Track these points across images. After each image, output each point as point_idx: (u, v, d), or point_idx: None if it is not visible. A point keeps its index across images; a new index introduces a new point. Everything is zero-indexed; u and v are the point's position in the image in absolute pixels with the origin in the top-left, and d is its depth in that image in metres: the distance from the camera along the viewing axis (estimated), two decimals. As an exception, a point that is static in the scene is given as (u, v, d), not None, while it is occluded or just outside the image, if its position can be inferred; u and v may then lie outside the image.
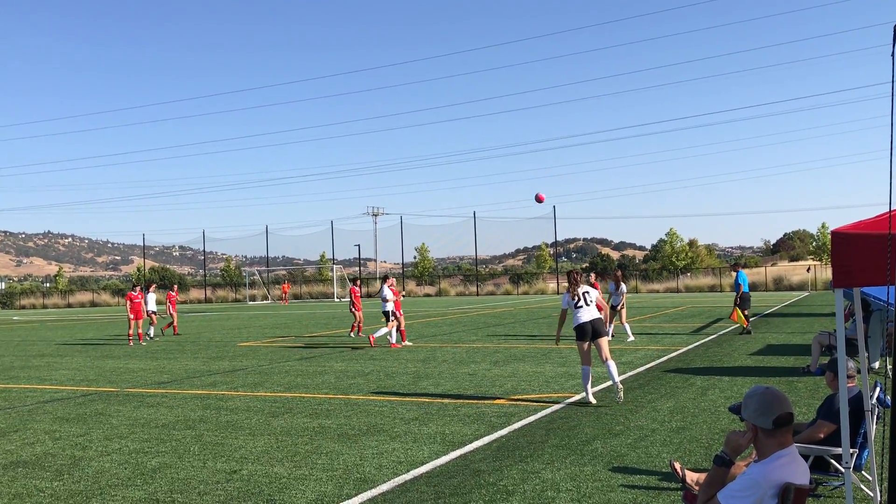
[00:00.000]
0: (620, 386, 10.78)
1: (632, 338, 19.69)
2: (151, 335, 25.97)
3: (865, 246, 3.80)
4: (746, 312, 20.89)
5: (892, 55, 2.84)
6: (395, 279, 21.57)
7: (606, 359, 10.85)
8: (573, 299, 11.03)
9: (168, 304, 28.63)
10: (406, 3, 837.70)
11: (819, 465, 6.11)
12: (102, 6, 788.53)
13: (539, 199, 17.55)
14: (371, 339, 20.12)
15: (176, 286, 34.42)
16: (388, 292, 20.11)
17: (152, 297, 26.61)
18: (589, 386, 10.85)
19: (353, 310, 23.89)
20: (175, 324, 28.13)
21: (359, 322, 23.95)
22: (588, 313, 10.89)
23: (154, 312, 26.27)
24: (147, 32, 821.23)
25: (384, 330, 20.13)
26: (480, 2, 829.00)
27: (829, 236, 4.05)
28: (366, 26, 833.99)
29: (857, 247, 3.83)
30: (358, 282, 25.96)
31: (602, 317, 11.19)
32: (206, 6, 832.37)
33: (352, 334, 23.76)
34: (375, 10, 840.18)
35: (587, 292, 11.06)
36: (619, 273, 21.74)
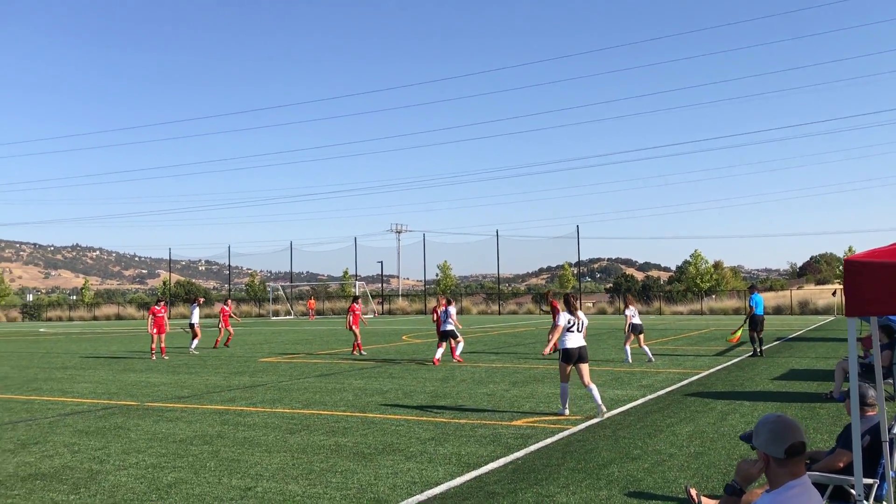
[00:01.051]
0: (604, 408, 11.61)
1: (630, 361, 19.73)
2: (193, 347, 26.15)
3: (879, 274, 3.74)
4: (760, 336, 21.07)
5: None
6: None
7: (588, 383, 11.58)
8: (568, 323, 11.69)
9: (221, 317, 29.02)
10: (431, 22, 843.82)
11: (839, 496, 6.00)
12: (132, 23, 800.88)
13: None
14: (459, 359, 20.67)
15: (230, 300, 34.63)
16: (453, 311, 21.17)
17: (197, 311, 26.73)
18: (567, 402, 11.82)
19: (353, 327, 23.73)
20: (230, 337, 28.63)
21: (357, 339, 23.82)
22: (577, 340, 11.69)
23: (197, 325, 26.31)
24: (175, 48, 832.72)
25: (461, 345, 21.06)
26: (505, 22, 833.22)
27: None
28: (390, 46, 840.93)
29: (870, 275, 3.77)
30: (359, 300, 25.90)
31: (585, 344, 11.88)
32: (236, 24, 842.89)
33: (362, 352, 23.63)
34: (400, 29, 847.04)
35: (583, 321, 11.87)
36: (629, 296, 22.64)
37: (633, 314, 20.41)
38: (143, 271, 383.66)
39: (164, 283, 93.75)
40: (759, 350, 21.02)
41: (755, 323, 21.00)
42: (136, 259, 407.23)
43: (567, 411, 11.78)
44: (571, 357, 11.63)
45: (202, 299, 29.37)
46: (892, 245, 4.06)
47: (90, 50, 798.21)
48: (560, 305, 12.97)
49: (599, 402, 11.47)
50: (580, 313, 11.88)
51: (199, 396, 14.58)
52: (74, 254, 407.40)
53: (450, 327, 20.90)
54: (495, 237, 70.34)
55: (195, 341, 26.23)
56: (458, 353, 20.95)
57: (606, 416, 11.46)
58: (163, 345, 24.10)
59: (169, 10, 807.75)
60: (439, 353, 20.47)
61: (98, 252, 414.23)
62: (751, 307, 21.15)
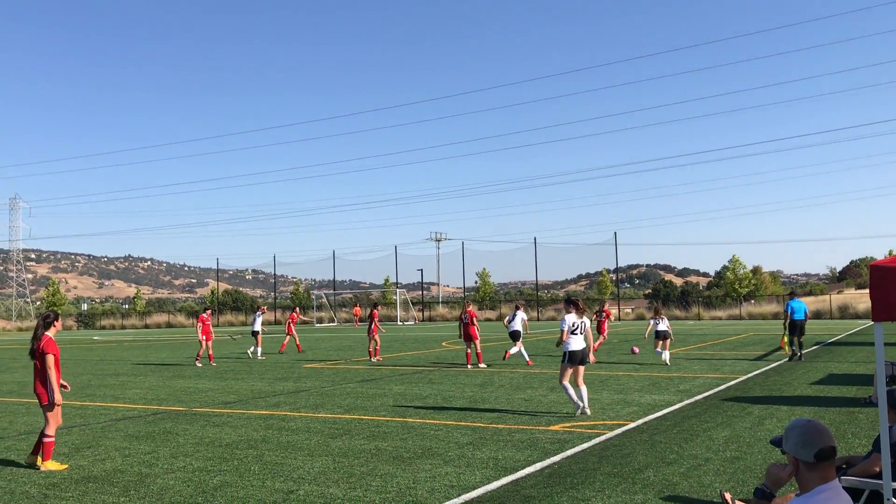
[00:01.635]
0: (588, 410, 12.03)
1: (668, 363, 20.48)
2: (259, 355, 26.67)
3: (905, 280, 3.68)
4: (794, 339, 21.18)
5: None
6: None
7: (581, 384, 12.15)
8: (573, 326, 12.16)
9: (289, 323, 29.85)
10: (468, 34, 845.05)
11: (874, 501, 5.89)
12: (176, 43, 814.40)
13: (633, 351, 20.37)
14: (506, 354, 21.96)
15: (297, 308, 35.74)
16: (523, 316, 22.47)
17: (259, 319, 27.40)
18: (575, 396, 12.04)
19: (372, 334, 24.09)
20: (285, 342, 29.63)
21: (377, 346, 24.24)
22: (580, 342, 12.16)
23: (258, 333, 27.03)
24: (217, 64, 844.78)
25: (517, 348, 21.75)
26: (540, 31, 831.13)
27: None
28: (430, 57, 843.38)
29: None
30: (379, 307, 26.38)
31: (587, 346, 12.36)
32: (274, 39, 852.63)
33: (373, 359, 23.90)
34: (438, 40, 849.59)
35: (584, 322, 12.32)
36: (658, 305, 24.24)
37: (656, 322, 21.47)
38: (193, 280, 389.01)
39: (213, 291, 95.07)
40: (799, 354, 21.04)
41: (794, 328, 21.03)
42: (186, 269, 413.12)
43: (589, 410, 12.02)
44: (576, 359, 12.06)
45: (265, 308, 30.26)
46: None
47: (138, 69, 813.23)
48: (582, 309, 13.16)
49: (586, 403, 12.05)
50: (583, 316, 12.30)
51: (244, 402, 14.75)
52: (127, 264, 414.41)
53: (518, 328, 21.86)
54: (533, 244, 70.22)
55: (258, 348, 26.77)
56: (512, 351, 21.74)
57: (641, 421, 11.36)
58: (210, 352, 24.42)
59: (211, 27, 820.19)
60: (515, 350, 21.50)
61: (149, 262, 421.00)
62: (786, 313, 21.38)
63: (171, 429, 11.74)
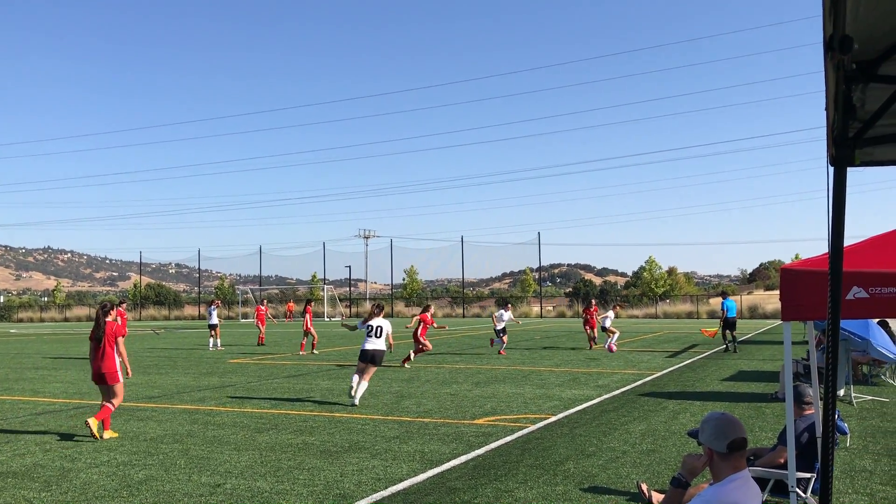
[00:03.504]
0: (357, 401, 12.78)
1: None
2: (218, 346, 27.22)
3: (812, 282, 3.89)
4: (733, 334, 23.32)
5: (825, 77, 2.55)
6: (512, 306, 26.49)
7: (366, 380, 13.13)
8: (367, 328, 13.39)
9: (257, 318, 29.99)
10: (400, 34, 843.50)
11: (779, 489, 6.17)
12: (108, 29, 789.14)
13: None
14: (502, 352, 23.34)
15: (265, 300, 36.21)
16: (505, 314, 23.98)
17: (215, 312, 27.78)
18: (355, 386, 12.93)
19: (308, 328, 24.99)
20: (262, 335, 29.82)
21: (314, 340, 25.15)
22: (373, 344, 13.28)
23: (216, 326, 27.48)
24: (148, 55, 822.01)
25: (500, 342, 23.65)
26: (469, 36, 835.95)
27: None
28: (361, 55, 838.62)
29: (804, 283, 3.91)
30: (312, 302, 27.56)
31: (384, 349, 13.44)
32: (206, 31, 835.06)
33: (306, 352, 24.65)
34: (371, 39, 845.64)
35: (380, 326, 13.39)
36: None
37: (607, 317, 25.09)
38: (114, 274, 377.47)
39: (135, 285, 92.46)
40: (734, 347, 23.02)
41: (729, 324, 22.95)
42: (108, 262, 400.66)
43: (357, 401, 12.76)
44: (366, 357, 13.16)
45: (219, 301, 31.22)
46: (824, 254, 4.20)
47: (60, 56, 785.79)
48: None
49: (359, 395, 12.86)
50: (376, 321, 13.37)
51: (169, 396, 14.46)
52: (46, 256, 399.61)
53: (499, 326, 23.50)
54: (460, 243, 70.54)
55: (217, 340, 27.37)
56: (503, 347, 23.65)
57: (562, 415, 11.58)
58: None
59: (145, 20, 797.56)
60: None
61: (69, 254, 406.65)
62: (723, 311, 22.86)
63: (93, 423, 11.41)
